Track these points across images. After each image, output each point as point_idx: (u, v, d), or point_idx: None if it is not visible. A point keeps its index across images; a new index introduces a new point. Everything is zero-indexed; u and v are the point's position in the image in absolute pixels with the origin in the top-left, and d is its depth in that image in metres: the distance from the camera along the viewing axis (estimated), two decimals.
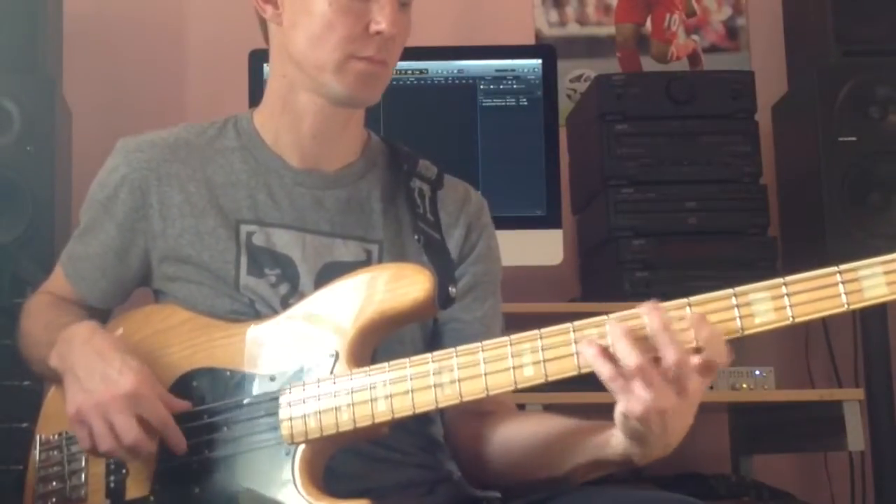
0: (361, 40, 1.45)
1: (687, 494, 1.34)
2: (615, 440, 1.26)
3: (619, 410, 1.21)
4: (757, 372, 2.42)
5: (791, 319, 1.16)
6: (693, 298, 1.19)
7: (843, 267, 1.15)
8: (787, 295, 1.16)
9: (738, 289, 1.18)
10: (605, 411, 1.27)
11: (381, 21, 1.44)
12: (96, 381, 1.37)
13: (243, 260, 1.49)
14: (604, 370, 1.19)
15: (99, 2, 3.02)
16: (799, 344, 2.86)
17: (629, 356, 1.18)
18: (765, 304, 1.17)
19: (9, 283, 2.09)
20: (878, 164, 2.55)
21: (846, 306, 1.15)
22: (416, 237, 1.51)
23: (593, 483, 1.39)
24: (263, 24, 1.57)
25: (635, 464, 1.27)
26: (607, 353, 1.19)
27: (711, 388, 2.40)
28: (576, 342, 1.22)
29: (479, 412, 1.46)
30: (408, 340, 1.49)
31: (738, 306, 1.18)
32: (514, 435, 1.42)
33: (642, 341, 1.18)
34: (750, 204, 2.60)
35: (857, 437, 2.33)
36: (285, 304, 1.46)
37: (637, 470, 2.55)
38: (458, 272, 1.53)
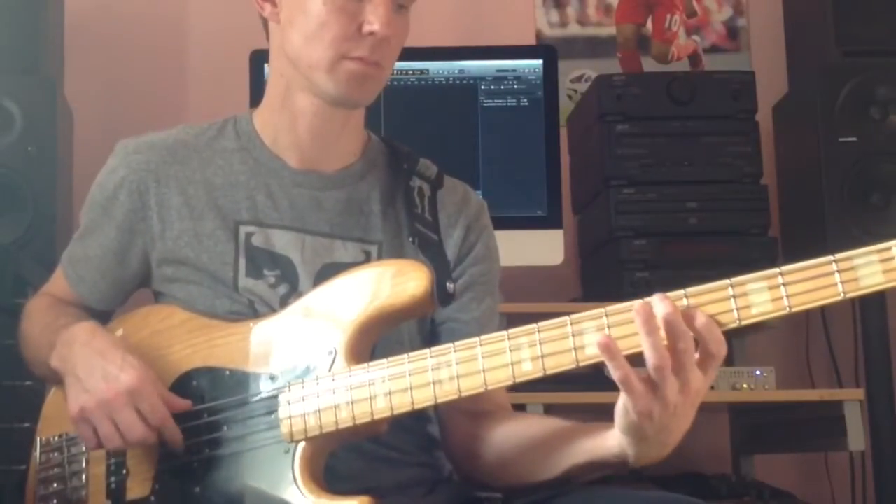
0: (354, 40, 1.44)
1: (687, 494, 1.34)
2: (612, 439, 1.26)
3: (621, 402, 1.21)
4: (757, 372, 2.41)
5: (788, 309, 1.16)
6: (690, 289, 1.19)
7: (838, 256, 1.15)
8: (784, 285, 1.16)
9: (735, 279, 1.18)
10: (605, 411, 1.27)
11: (374, 22, 1.43)
12: (97, 379, 1.37)
13: (242, 262, 1.49)
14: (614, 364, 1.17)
15: (100, 2, 3.02)
16: (799, 344, 2.86)
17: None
18: (761, 295, 1.16)
19: (11, 283, 2.09)
20: (878, 164, 2.55)
21: (842, 295, 1.14)
22: (410, 239, 1.51)
23: (594, 483, 1.38)
24: (265, 22, 1.56)
25: (631, 464, 1.27)
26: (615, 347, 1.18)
27: (712, 387, 2.40)
28: (573, 336, 1.22)
29: (476, 412, 1.46)
30: (406, 339, 1.49)
31: (734, 297, 1.17)
32: (510, 436, 1.42)
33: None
34: (750, 204, 2.60)
35: (857, 437, 2.33)
36: (284, 304, 1.46)
37: (637, 470, 2.56)
38: (455, 273, 1.53)
